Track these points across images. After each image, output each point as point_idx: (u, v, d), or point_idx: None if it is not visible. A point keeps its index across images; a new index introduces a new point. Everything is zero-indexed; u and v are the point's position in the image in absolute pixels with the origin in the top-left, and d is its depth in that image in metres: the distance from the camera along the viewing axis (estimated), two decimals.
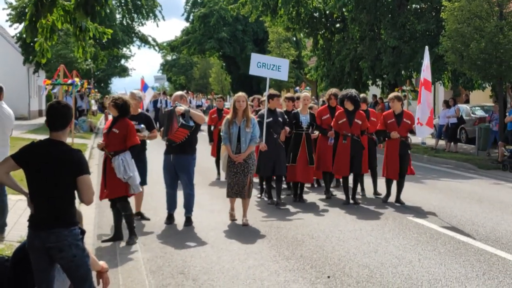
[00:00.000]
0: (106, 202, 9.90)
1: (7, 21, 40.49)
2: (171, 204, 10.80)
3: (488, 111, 26.69)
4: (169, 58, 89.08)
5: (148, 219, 11.04)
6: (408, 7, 27.31)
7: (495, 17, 19.75)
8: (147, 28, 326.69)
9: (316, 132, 12.81)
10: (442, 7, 21.46)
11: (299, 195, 12.79)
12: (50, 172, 5.18)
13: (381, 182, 13.45)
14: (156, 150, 14.94)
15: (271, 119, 12.15)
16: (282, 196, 12.84)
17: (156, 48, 60.13)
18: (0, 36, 46.81)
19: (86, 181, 5.28)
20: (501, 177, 16.97)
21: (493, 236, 9.84)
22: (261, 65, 12.97)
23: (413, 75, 28.00)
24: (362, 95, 13.91)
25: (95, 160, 19.02)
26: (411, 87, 27.20)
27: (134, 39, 57.33)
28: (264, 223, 10.81)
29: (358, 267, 8.09)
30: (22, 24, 36.55)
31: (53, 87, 24.83)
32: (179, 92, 11.19)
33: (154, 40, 58.59)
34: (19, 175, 5.69)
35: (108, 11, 45.46)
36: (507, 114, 21.08)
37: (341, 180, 13.60)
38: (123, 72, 79.13)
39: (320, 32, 31.44)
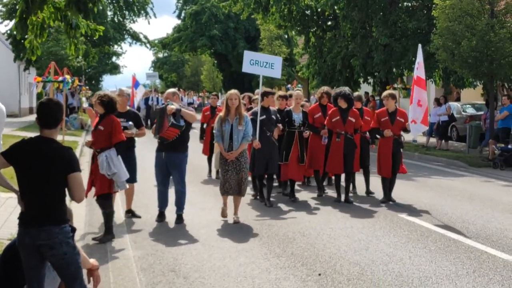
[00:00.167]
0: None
1: None
2: (163, 202, 10.79)
3: (479, 109, 26.81)
4: (160, 55, 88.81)
5: (139, 217, 11.02)
6: (400, 5, 27.36)
7: (486, 15, 19.79)
8: (139, 25, 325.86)
9: (308, 131, 12.77)
10: (434, 5, 21.48)
11: (290, 193, 12.79)
12: (41, 170, 5.17)
13: (373, 181, 13.48)
14: (147, 148, 14.93)
15: (264, 116, 12.09)
16: (273, 195, 12.83)
17: (148, 45, 60.00)
18: None
19: (77, 179, 5.27)
20: (491, 175, 17.02)
21: (484, 233, 9.88)
22: (254, 62, 12.93)
23: (405, 73, 28.03)
24: (356, 93, 13.92)
25: (86, 157, 18.95)
26: (402, 85, 27.25)
27: (126, 36, 57.16)
28: (255, 221, 10.81)
29: (349, 264, 8.10)
30: (13, 21, 36.38)
31: (44, 85, 24.75)
32: (172, 90, 11.15)
33: (145, 37, 58.44)
34: (9, 173, 5.67)
35: (100, 7, 45.31)
36: (497, 112, 21.15)
37: (333, 178, 13.62)
38: (114, 69, 78.89)
39: (311, 30, 31.43)
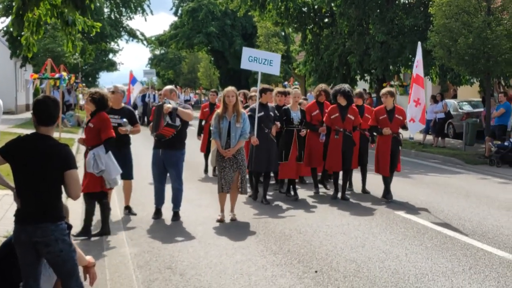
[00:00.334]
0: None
1: None
2: (159, 199, 10.79)
3: (476, 106, 26.83)
4: (157, 52, 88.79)
5: (135, 214, 11.01)
6: (397, 2, 27.35)
7: (483, 13, 19.81)
8: (135, 22, 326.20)
9: (304, 130, 12.62)
10: (430, 2, 21.51)
11: (287, 190, 12.79)
12: (37, 167, 5.17)
13: (369, 179, 13.48)
14: (143, 145, 14.93)
15: (262, 113, 12.05)
16: (270, 193, 12.82)
17: (144, 42, 59.92)
18: None
19: (74, 176, 5.27)
20: (488, 172, 17.05)
21: (480, 230, 9.89)
22: (252, 59, 12.88)
23: (401, 70, 28.05)
24: (358, 90, 13.87)
25: (81, 154, 18.92)
26: (399, 82, 27.25)
27: (122, 33, 57.11)
28: (252, 218, 10.82)
29: (346, 261, 8.11)
30: (9, 18, 36.32)
31: (40, 82, 24.73)
32: (169, 87, 11.10)
33: (142, 34, 58.38)
34: (5, 170, 5.66)
35: (97, 4, 45.27)
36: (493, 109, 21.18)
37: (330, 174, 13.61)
38: (111, 66, 78.78)
39: (308, 27, 31.40)
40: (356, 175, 13.67)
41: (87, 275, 5.73)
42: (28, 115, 37.05)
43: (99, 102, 9.49)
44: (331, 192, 13.00)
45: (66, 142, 16.92)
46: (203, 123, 15.88)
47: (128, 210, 11.13)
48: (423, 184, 14.78)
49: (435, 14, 20.50)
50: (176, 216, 10.63)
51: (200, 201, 12.26)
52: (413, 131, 12.60)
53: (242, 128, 10.52)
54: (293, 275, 7.56)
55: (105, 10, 54.23)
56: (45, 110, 5.31)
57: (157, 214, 10.76)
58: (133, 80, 26.51)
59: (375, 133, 12.69)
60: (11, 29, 9.79)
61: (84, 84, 58.53)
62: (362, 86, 32.75)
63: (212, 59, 66.57)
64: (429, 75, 27.24)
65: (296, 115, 12.49)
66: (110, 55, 74.14)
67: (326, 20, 31.75)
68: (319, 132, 12.67)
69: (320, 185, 13.52)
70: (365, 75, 29.66)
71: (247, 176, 11.88)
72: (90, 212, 9.45)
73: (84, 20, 10.05)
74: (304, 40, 31.96)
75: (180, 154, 10.55)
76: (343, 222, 10.44)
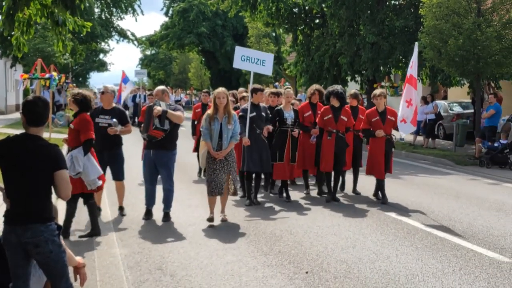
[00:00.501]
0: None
1: None
2: (150, 200, 10.75)
3: (466, 107, 26.91)
4: (148, 52, 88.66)
5: (124, 215, 10.98)
6: (387, 3, 27.40)
7: (473, 14, 19.87)
8: (126, 22, 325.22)
9: (296, 130, 12.42)
10: (421, 4, 21.55)
11: (279, 192, 12.74)
12: (27, 167, 5.14)
13: (361, 180, 13.49)
14: (135, 145, 14.89)
15: (254, 113, 11.97)
16: (261, 195, 12.80)
17: (135, 42, 59.91)
18: None
19: (63, 176, 5.25)
20: (478, 173, 17.10)
21: (470, 231, 9.92)
22: (245, 58, 12.77)
23: (392, 71, 28.10)
24: (353, 91, 13.77)
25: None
26: (389, 83, 27.30)
27: (113, 33, 57.07)
28: (243, 219, 10.81)
29: (336, 262, 8.11)
30: None
31: (30, 82, 24.63)
32: (161, 87, 10.94)
33: (133, 34, 58.40)
34: None
35: (87, 4, 45.14)
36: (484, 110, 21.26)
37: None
38: (102, 66, 78.71)
39: (299, 28, 31.41)
40: (348, 176, 13.68)
41: (77, 276, 5.70)
42: (18, 115, 36.93)
43: (81, 103, 9.47)
44: (315, 192, 13.04)
45: (56, 142, 16.85)
46: (196, 122, 15.83)
47: (121, 210, 11.10)
48: (413, 185, 14.81)
49: (426, 15, 20.56)
50: (166, 217, 10.60)
51: (190, 202, 12.24)
52: (404, 132, 12.53)
53: (233, 130, 10.46)
54: (284, 276, 7.56)
55: (96, 10, 54.20)
56: (35, 111, 5.29)
57: (148, 214, 10.73)
58: (125, 79, 26.46)
59: (371, 136, 12.48)
60: (1, 29, 9.75)
61: (74, 85, 58.23)
62: (352, 87, 32.80)
63: (203, 59, 66.52)
64: (419, 76, 27.30)
65: (289, 115, 12.37)
66: (101, 55, 74.18)
67: (317, 21, 31.80)
68: (311, 134, 12.61)
69: (312, 187, 13.50)
70: (356, 76, 29.70)
71: (238, 178, 11.79)
72: (70, 214, 9.37)
73: (74, 20, 10.01)
74: (295, 41, 31.99)
75: (171, 155, 10.52)
76: (334, 223, 10.44)
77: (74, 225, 10.06)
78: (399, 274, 7.60)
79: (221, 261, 8.19)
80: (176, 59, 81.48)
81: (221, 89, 10.72)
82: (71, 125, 9.48)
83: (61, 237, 5.36)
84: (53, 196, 5.35)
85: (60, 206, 9.20)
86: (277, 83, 37.83)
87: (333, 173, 12.54)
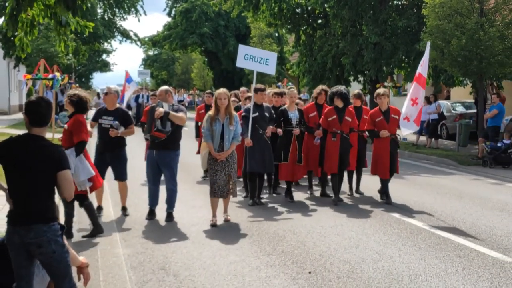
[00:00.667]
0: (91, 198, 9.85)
1: None
2: (153, 200, 10.76)
3: (469, 107, 26.89)
4: (151, 53, 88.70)
5: (127, 215, 10.99)
6: (390, 3, 27.40)
7: (476, 14, 19.86)
8: (129, 22, 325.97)
9: (297, 129, 12.28)
10: (423, 4, 21.54)
11: (286, 192, 12.64)
12: (29, 167, 5.15)
13: (364, 180, 13.48)
14: (139, 145, 14.90)
15: (257, 114, 11.88)
16: (265, 196, 12.79)
17: (138, 43, 59.84)
18: None
19: (67, 176, 5.25)
20: (481, 173, 17.09)
21: (473, 231, 9.91)
22: (248, 57, 12.66)
23: (395, 71, 28.10)
24: (356, 91, 13.67)
25: None
26: (392, 83, 27.31)
27: (116, 33, 57.04)
28: (245, 219, 10.81)
29: (339, 262, 8.11)
30: (2, 18, 36.21)
31: (34, 82, 24.66)
32: (165, 87, 10.90)
33: (135, 35, 58.32)
34: None
35: (89, 5, 45.18)
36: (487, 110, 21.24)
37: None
38: (105, 67, 78.76)
39: (302, 28, 31.43)
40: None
41: (81, 276, 5.71)
42: (21, 116, 36.95)
43: (77, 104, 9.48)
44: (315, 194, 13.05)
45: (59, 142, 16.87)
46: (199, 124, 15.78)
47: (124, 210, 11.11)
48: (416, 185, 14.80)
49: (428, 15, 20.54)
50: (169, 217, 10.61)
51: (194, 202, 12.24)
52: (406, 130, 12.38)
53: (235, 131, 10.41)
54: (287, 276, 7.56)
55: (99, 10, 54.19)
56: (38, 111, 5.29)
57: (151, 214, 10.74)
58: (128, 79, 26.48)
59: (375, 137, 12.37)
60: (5, 29, 9.76)
61: (77, 85, 58.32)
62: (355, 87, 32.81)
63: (206, 59, 66.53)
64: None
65: (294, 115, 12.29)
66: (104, 56, 74.23)
67: (319, 21, 31.80)
68: (315, 135, 12.55)
69: (315, 187, 13.48)
70: (359, 76, 29.72)
71: (237, 179, 11.70)
72: (69, 214, 9.36)
73: (77, 20, 10.03)
74: (298, 41, 32.00)
75: (174, 155, 10.52)
76: (337, 223, 10.44)
77: (77, 225, 10.10)
78: (402, 274, 7.60)
79: (224, 261, 8.20)
80: (179, 60, 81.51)
81: (222, 90, 10.65)
82: (65, 126, 9.50)
83: (64, 237, 5.37)
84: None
85: (59, 207, 9.24)
86: (279, 83, 37.81)
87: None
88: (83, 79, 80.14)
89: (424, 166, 19.04)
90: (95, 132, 10.97)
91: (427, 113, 24.17)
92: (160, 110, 10.07)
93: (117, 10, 54.71)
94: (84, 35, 40.04)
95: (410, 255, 8.48)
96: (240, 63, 12.71)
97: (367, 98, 28.94)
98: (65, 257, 5.26)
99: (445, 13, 19.91)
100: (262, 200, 12.25)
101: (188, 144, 14.87)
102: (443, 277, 7.51)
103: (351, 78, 30.30)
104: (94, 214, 9.57)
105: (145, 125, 10.61)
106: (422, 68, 12.06)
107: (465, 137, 22.25)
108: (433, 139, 23.83)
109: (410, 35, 25.33)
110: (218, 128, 10.34)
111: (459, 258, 8.33)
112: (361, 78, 29.95)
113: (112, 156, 10.71)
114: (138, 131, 11.83)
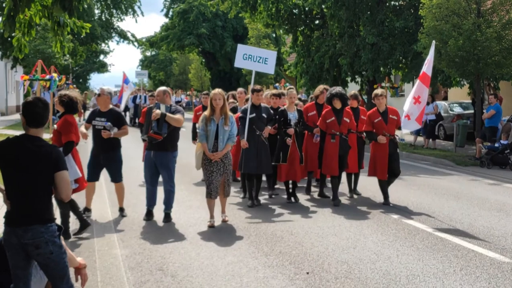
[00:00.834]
0: (81, 199, 9.84)
1: None
2: (151, 200, 10.75)
3: (467, 108, 26.92)
4: (148, 54, 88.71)
5: (125, 216, 10.98)
6: (387, 4, 27.42)
7: (473, 15, 19.88)
8: (126, 23, 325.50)
9: (291, 128, 12.08)
10: (421, 4, 21.56)
11: (290, 193, 12.54)
12: (27, 168, 5.14)
13: (361, 181, 13.48)
14: (136, 146, 14.89)
15: (254, 114, 11.82)
16: (265, 196, 12.78)
17: (135, 43, 59.87)
18: None
19: (64, 177, 5.25)
20: (478, 174, 17.10)
21: (471, 232, 9.92)
22: (247, 57, 12.57)
23: (392, 72, 28.12)
24: (353, 92, 13.61)
25: None
26: (389, 84, 27.32)
27: (113, 34, 57.08)
28: (243, 219, 10.80)
29: (337, 263, 8.11)
30: (0, 19, 36.16)
31: (31, 83, 24.65)
32: (163, 88, 10.88)
33: (133, 35, 58.38)
34: None
35: (86, 6, 45.17)
36: (484, 111, 21.26)
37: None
38: (102, 67, 78.81)
39: (299, 29, 31.45)
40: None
41: (78, 277, 5.71)
42: (19, 116, 36.93)
43: (67, 105, 9.48)
44: (313, 195, 13.04)
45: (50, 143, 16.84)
46: (197, 125, 15.72)
47: (121, 211, 11.10)
48: (414, 186, 14.80)
49: (426, 16, 20.56)
50: (167, 217, 10.60)
51: (192, 203, 12.24)
52: (407, 129, 12.22)
53: (230, 131, 10.35)
54: (285, 277, 7.56)
55: (96, 11, 54.23)
56: (35, 112, 5.29)
57: (148, 215, 10.74)
58: (126, 80, 26.52)
59: (374, 139, 12.30)
60: (2, 30, 9.75)
61: (74, 86, 58.41)
62: (352, 88, 32.83)
63: (203, 60, 66.52)
64: None
65: (293, 116, 12.23)
66: (101, 57, 74.26)
67: (317, 22, 31.82)
68: (314, 133, 12.53)
69: (313, 188, 13.47)
70: (356, 76, 29.73)
71: (231, 180, 11.62)
72: (65, 215, 9.35)
73: (74, 21, 10.02)
74: (295, 42, 32.03)
75: (171, 156, 10.52)
76: (335, 224, 10.44)
77: (74, 225, 10.08)
78: (400, 275, 7.60)
79: (222, 261, 8.19)
80: (176, 60, 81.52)
81: (217, 90, 10.60)
82: (55, 126, 9.51)
83: (61, 238, 5.37)
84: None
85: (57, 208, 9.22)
86: (277, 84, 37.83)
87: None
88: (81, 80, 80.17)
89: (421, 166, 19.05)
90: (90, 134, 10.94)
91: (425, 114, 24.14)
92: (157, 112, 10.06)
93: (114, 11, 54.78)
94: (82, 36, 40.08)
95: (408, 255, 8.49)
96: (239, 63, 12.62)
97: (365, 98, 28.94)
98: (63, 258, 5.26)
99: (442, 14, 19.93)
100: (261, 201, 12.23)
101: (185, 145, 14.85)
102: (440, 277, 7.52)
103: (349, 79, 30.31)
104: (78, 210, 9.51)
105: (143, 126, 10.62)
106: (427, 67, 11.93)
107: (463, 137, 22.25)
108: (430, 140, 23.85)
109: (408, 36, 25.35)
110: (213, 128, 10.29)
111: (456, 259, 8.34)
112: (358, 79, 29.97)
113: (106, 157, 10.70)
114: (135, 132, 11.83)
